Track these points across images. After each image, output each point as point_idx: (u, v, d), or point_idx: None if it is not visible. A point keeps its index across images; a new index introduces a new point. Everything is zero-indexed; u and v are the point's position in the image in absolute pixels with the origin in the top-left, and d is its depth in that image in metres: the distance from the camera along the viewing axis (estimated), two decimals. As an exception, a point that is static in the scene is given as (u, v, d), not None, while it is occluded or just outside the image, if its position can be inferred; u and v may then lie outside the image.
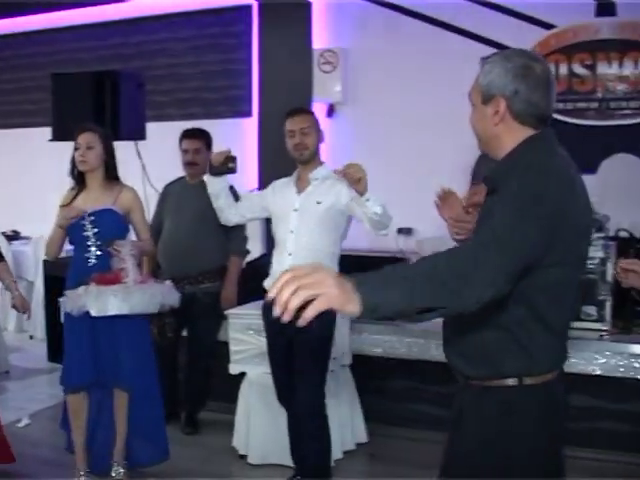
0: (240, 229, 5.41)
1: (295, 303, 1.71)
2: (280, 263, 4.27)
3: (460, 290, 1.97)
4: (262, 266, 6.19)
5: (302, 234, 4.19)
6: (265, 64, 7.58)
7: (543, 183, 2.15)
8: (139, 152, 5.72)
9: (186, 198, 5.45)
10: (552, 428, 2.33)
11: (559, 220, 2.14)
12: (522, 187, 2.17)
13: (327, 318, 4.11)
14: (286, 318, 1.72)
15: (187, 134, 5.50)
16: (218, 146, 5.45)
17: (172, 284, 4.57)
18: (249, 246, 5.70)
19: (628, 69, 6.53)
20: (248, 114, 7.79)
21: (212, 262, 5.43)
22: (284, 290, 1.72)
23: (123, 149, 4.92)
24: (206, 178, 4.48)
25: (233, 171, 4.37)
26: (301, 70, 7.39)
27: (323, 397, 4.31)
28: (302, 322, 1.73)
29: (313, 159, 4.33)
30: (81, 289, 4.23)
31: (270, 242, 7.41)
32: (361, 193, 3.82)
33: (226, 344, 5.12)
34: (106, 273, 4.27)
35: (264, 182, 6.19)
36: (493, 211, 2.19)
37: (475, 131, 2.43)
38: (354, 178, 3.76)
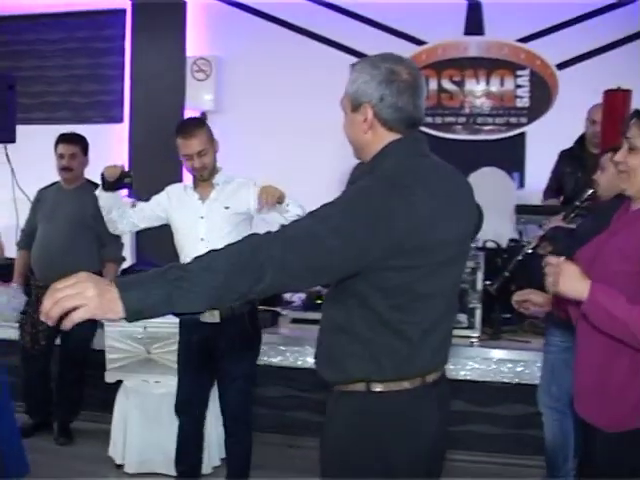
0: (115, 236, 5.30)
1: (55, 312, 1.82)
2: None
3: (229, 289, 1.95)
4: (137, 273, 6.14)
5: (214, 241, 3.99)
6: (138, 70, 7.51)
7: (373, 191, 2.10)
8: (8, 156, 5.54)
9: (60, 203, 5.31)
10: (409, 443, 2.24)
11: (378, 229, 2.04)
12: (352, 191, 2.18)
13: (251, 317, 4.09)
14: (50, 323, 1.86)
15: (63, 139, 5.35)
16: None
17: (19, 287, 4.42)
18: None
19: (494, 86, 6.84)
20: (119, 120, 7.68)
21: (86, 268, 5.14)
22: (47, 300, 1.83)
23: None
24: (97, 193, 4.25)
25: (130, 186, 4.20)
26: (174, 77, 7.36)
27: (252, 400, 4.32)
28: (65, 327, 1.84)
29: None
30: None
31: (140, 251, 7.39)
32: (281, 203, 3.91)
33: (101, 352, 5.00)
34: None
35: (135, 189, 6.07)
36: None
37: (348, 138, 2.37)
38: (274, 200, 3.82)
